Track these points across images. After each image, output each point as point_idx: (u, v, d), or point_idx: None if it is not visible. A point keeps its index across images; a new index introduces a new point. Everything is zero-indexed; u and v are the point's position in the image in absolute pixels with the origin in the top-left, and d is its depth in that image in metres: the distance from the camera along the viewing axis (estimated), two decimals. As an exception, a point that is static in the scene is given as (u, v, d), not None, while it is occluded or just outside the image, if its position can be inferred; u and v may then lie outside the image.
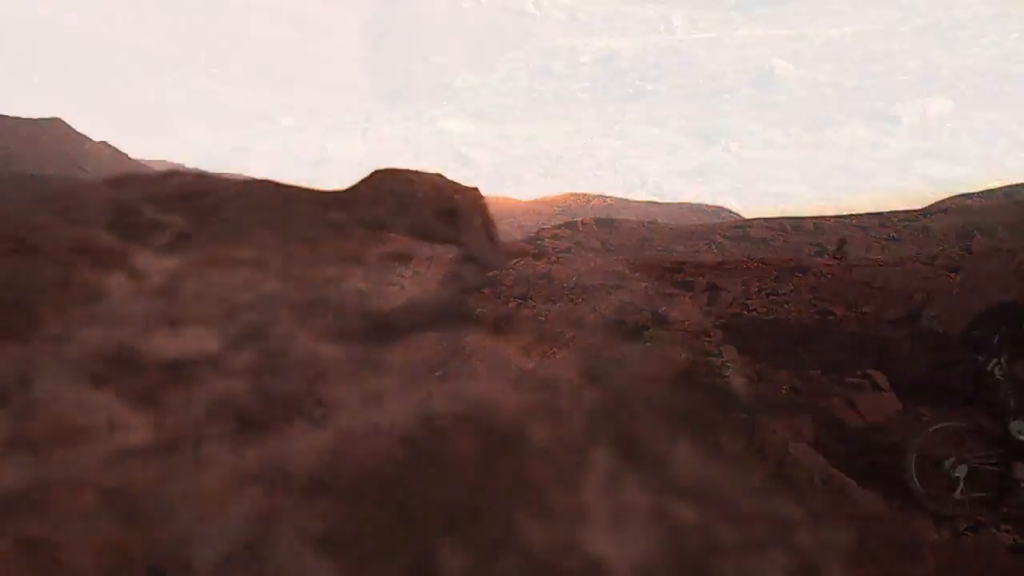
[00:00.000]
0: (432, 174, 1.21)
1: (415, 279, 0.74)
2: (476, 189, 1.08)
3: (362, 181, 1.06)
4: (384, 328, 0.59)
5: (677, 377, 0.44)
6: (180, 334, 0.68)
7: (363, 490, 0.29)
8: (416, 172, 1.20)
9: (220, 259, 0.79)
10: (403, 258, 0.86)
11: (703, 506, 0.33)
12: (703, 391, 0.46)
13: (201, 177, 0.96)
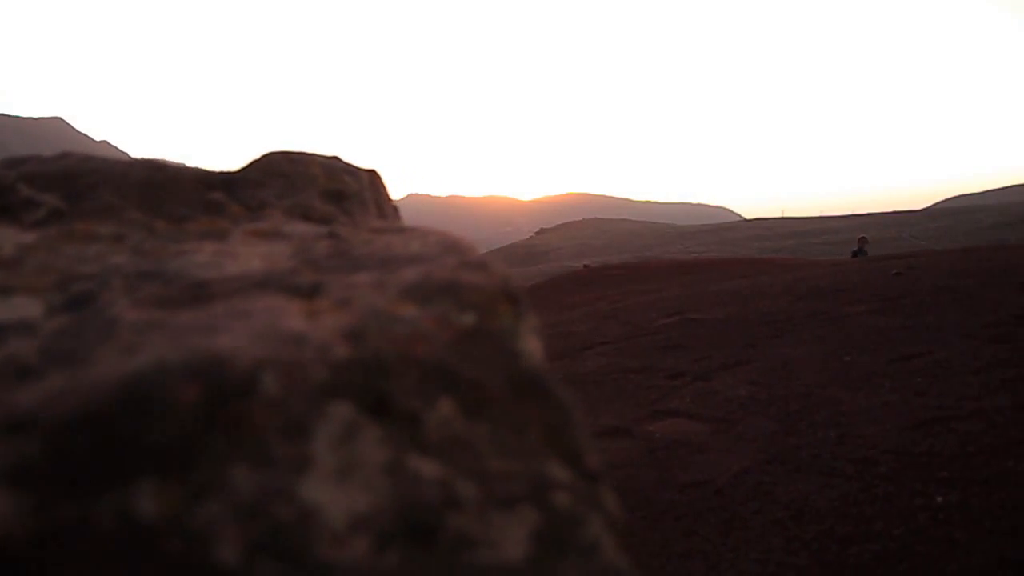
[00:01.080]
0: (326, 156, 1.22)
1: (264, 254, 0.75)
2: (373, 171, 1.09)
3: (252, 162, 1.08)
4: (201, 296, 0.61)
5: (457, 339, 0.45)
6: (7, 302, 0.70)
7: (67, 431, 0.30)
8: (309, 154, 1.22)
9: (78, 234, 0.81)
10: (267, 235, 0.87)
11: (450, 463, 0.34)
12: (484, 354, 0.46)
13: (87, 158, 0.98)
